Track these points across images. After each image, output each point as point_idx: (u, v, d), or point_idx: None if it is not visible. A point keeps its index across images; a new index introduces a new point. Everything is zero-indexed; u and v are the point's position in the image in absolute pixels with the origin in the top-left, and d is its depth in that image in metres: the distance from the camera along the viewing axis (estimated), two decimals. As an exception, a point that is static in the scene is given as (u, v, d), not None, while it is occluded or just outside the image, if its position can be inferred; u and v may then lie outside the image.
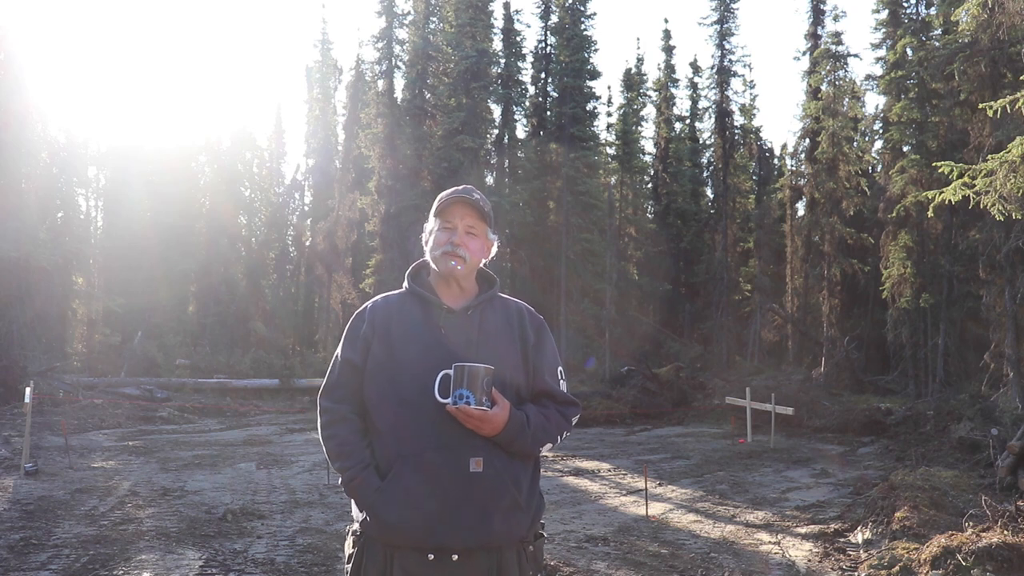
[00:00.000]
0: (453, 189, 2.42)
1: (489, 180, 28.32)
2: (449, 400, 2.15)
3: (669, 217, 34.55)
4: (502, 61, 28.89)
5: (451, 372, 2.16)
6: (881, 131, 26.32)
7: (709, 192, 36.50)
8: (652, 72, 50.07)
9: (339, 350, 2.41)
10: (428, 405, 2.21)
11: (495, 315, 2.40)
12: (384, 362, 2.30)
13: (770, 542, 7.05)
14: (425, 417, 2.21)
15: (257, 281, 31.41)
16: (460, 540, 2.18)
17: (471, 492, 2.19)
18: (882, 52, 24.11)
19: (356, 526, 2.29)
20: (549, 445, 2.34)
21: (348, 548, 2.30)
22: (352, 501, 2.31)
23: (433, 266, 2.40)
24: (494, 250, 2.47)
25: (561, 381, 2.44)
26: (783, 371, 25.17)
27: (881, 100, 29.58)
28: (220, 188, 29.67)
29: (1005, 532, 5.86)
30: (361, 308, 2.43)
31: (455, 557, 2.18)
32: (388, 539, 2.20)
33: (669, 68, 36.76)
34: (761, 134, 36.71)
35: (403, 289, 2.44)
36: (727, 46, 30.73)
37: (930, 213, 9.27)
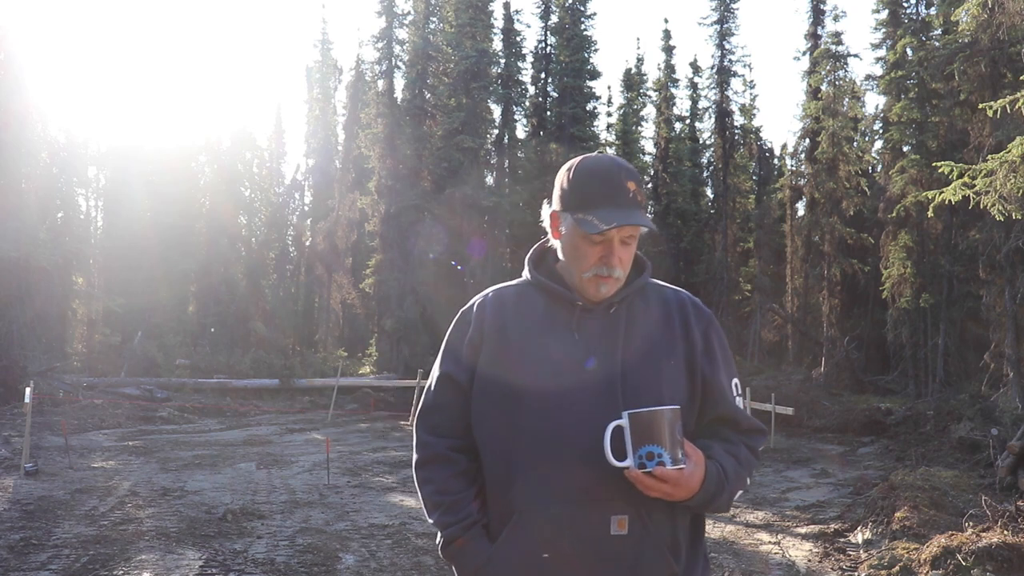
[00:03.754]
0: (597, 183, 1.73)
1: (489, 180, 28.32)
2: (629, 462, 1.59)
3: (669, 217, 34.54)
4: (502, 61, 28.89)
5: (624, 422, 1.60)
6: (881, 131, 26.30)
7: (709, 192, 36.49)
8: (652, 72, 50.07)
9: (438, 361, 1.88)
10: (554, 442, 1.67)
11: (648, 313, 1.79)
12: (495, 380, 1.76)
13: (770, 542, 7.05)
14: (551, 455, 1.68)
15: (257, 281, 31.39)
16: None
17: (610, 562, 1.66)
18: (882, 52, 24.10)
19: None
20: (740, 493, 1.79)
21: None
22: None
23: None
24: None
25: (738, 399, 1.83)
26: (783, 371, 25.16)
27: (881, 100, 29.59)
28: (220, 188, 29.65)
29: (1005, 532, 5.86)
30: (468, 305, 1.88)
31: None
32: None
33: (669, 68, 36.75)
34: (761, 134, 36.70)
35: (523, 279, 1.87)
36: (727, 46, 30.73)
37: (930, 213, 9.29)
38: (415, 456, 1.86)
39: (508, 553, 1.69)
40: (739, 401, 1.83)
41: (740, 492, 1.78)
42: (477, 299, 1.87)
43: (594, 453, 1.62)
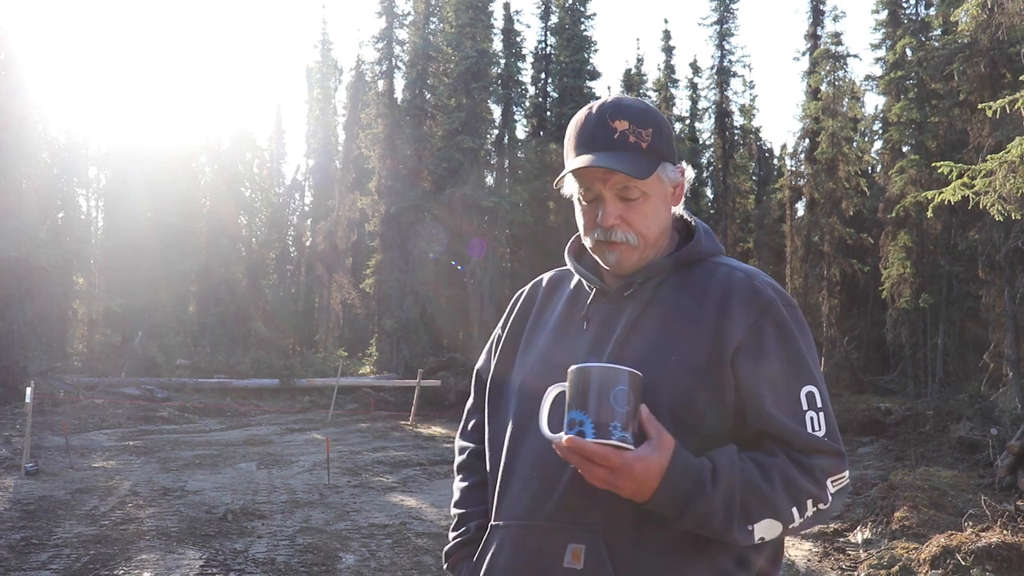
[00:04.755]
0: (579, 127, 1.44)
1: (489, 180, 28.33)
2: (561, 433, 1.27)
3: (669, 217, 34.57)
4: (502, 61, 28.91)
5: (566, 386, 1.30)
6: (881, 131, 26.33)
7: (709, 192, 36.51)
8: (652, 72, 50.03)
9: None
10: (525, 449, 1.43)
11: (680, 297, 1.42)
12: (500, 376, 1.56)
13: (770, 542, 7.07)
14: (525, 463, 1.42)
15: (257, 281, 31.42)
16: None
17: None
18: (882, 52, 24.12)
19: None
20: (771, 524, 1.30)
21: None
22: None
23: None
24: (688, 175, 1.50)
25: (810, 414, 1.35)
26: (783, 371, 25.16)
27: (881, 100, 29.61)
28: (220, 188, 29.68)
29: (1004, 532, 5.88)
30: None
31: None
32: None
33: (669, 68, 36.77)
34: (761, 134, 36.75)
35: None
36: (727, 46, 30.77)
37: (929, 213, 9.30)
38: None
39: (474, 572, 1.47)
40: (811, 418, 1.34)
41: (770, 520, 1.29)
42: (528, 284, 1.66)
43: (561, 465, 1.33)
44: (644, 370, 1.30)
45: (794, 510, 1.31)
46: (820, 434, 1.35)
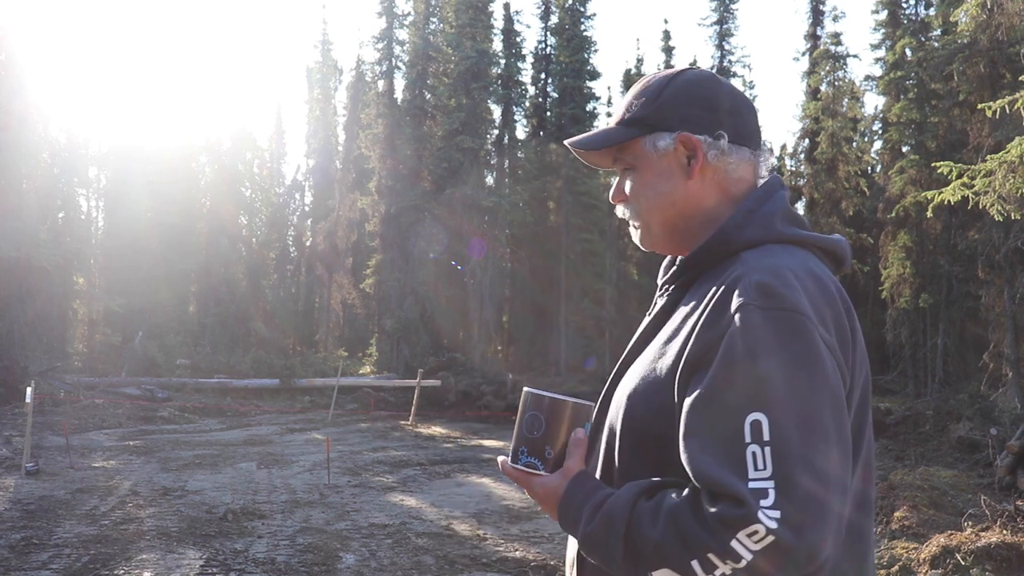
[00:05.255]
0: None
1: (489, 180, 28.35)
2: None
3: (669, 217, 34.54)
4: (502, 62, 28.93)
5: None
6: (880, 131, 26.35)
7: (709, 192, 36.55)
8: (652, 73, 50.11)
9: None
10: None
11: (685, 300, 1.25)
12: None
13: (769, 542, 7.06)
14: None
15: (257, 281, 31.43)
16: None
17: None
18: (881, 52, 24.13)
19: None
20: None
21: None
22: None
23: None
24: (706, 144, 1.25)
25: (752, 448, 1.03)
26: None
27: (880, 100, 29.65)
28: (221, 188, 29.68)
29: (1004, 532, 5.88)
30: None
31: None
32: None
33: (669, 68, 36.83)
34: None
35: None
36: (727, 47, 30.77)
37: (929, 213, 9.31)
38: None
39: None
40: (753, 453, 1.03)
41: (667, 571, 1.06)
42: None
43: None
44: (622, 387, 1.25)
45: (695, 564, 1.04)
46: (761, 474, 1.01)
